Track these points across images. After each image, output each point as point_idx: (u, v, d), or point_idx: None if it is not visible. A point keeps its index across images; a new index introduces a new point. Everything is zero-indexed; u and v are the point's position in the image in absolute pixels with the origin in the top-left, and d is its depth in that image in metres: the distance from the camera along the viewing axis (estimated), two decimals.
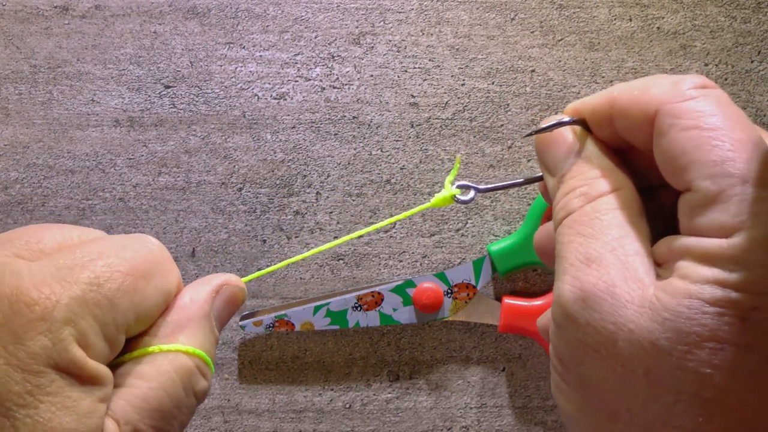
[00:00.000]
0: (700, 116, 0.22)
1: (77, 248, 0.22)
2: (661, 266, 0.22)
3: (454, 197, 0.28)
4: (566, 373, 0.22)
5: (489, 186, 0.28)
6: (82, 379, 0.20)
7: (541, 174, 0.27)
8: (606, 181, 0.24)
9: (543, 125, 0.26)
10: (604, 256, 0.22)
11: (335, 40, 0.46)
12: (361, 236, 0.45)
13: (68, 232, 0.24)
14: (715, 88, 0.23)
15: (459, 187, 0.29)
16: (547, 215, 0.43)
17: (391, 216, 0.45)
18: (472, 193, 0.28)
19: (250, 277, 0.29)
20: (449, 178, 0.28)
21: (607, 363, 0.21)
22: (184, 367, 0.23)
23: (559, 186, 0.25)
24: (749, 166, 0.20)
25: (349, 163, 0.45)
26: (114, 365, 0.23)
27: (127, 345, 0.23)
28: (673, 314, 0.20)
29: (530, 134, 0.27)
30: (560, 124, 0.26)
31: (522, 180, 0.28)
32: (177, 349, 0.23)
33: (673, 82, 0.23)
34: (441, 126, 0.46)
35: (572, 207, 0.24)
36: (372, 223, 0.45)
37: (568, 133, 0.26)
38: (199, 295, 0.25)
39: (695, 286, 0.20)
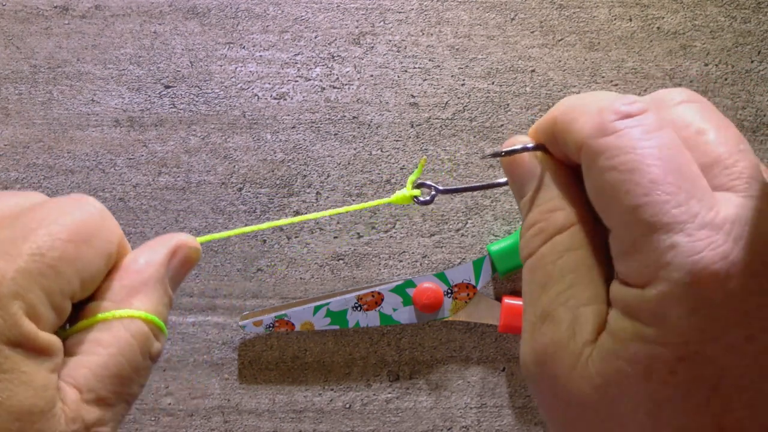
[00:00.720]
0: (617, 155, 0.20)
1: (17, 219, 0.22)
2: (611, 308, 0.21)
3: (413, 198, 0.28)
4: (549, 419, 0.22)
5: (449, 188, 0.27)
6: (36, 351, 0.20)
7: (504, 180, 0.26)
8: (561, 215, 0.23)
9: (504, 149, 0.25)
10: (557, 310, 0.21)
11: (335, 40, 0.46)
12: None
13: (6, 201, 0.23)
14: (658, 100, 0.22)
15: (419, 186, 0.28)
16: None
17: (391, 216, 0.45)
18: (432, 194, 0.28)
19: (205, 238, 0.29)
20: (411, 178, 0.28)
21: (567, 425, 0.21)
22: (140, 331, 0.23)
23: (528, 211, 0.24)
24: (662, 209, 0.19)
25: (349, 163, 0.45)
26: (67, 334, 0.23)
27: (77, 311, 0.23)
28: (604, 380, 0.20)
29: (488, 156, 0.27)
30: (519, 150, 0.25)
31: (485, 184, 0.28)
32: (131, 315, 0.23)
33: (599, 110, 0.21)
34: (441, 126, 0.46)
35: (532, 247, 0.23)
36: (372, 224, 0.45)
37: (527, 158, 0.25)
38: (153, 257, 0.25)
39: (620, 345, 0.19)
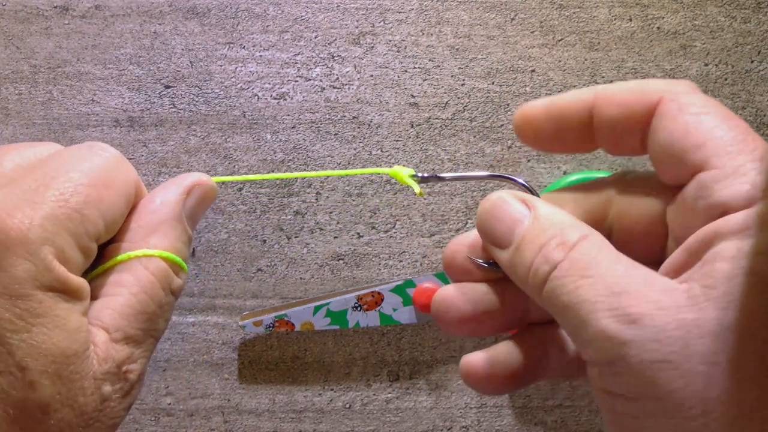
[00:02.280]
0: (709, 104, 0.23)
1: (36, 168, 0.22)
2: (679, 274, 0.22)
3: (412, 175, 0.28)
4: (633, 403, 0.21)
5: (446, 174, 0.28)
6: (68, 294, 0.21)
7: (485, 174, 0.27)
8: (576, 229, 0.23)
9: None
10: (628, 283, 0.21)
11: (335, 40, 0.46)
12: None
13: (24, 152, 0.24)
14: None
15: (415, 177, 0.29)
16: None
17: (391, 216, 0.45)
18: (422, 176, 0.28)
19: (220, 178, 0.30)
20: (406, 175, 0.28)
21: (684, 367, 0.20)
22: (159, 268, 0.24)
23: (516, 255, 0.24)
24: (761, 146, 0.22)
25: (349, 163, 0.45)
26: (89, 278, 0.23)
27: (99, 253, 0.24)
28: (730, 297, 0.20)
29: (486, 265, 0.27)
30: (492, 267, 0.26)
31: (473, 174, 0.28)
32: (147, 254, 0.24)
33: (669, 82, 0.24)
34: (441, 126, 0.46)
35: (555, 258, 0.23)
36: (372, 224, 0.45)
37: (515, 202, 0.25)
38: (169, 197, 0.25)
39: (741, 261, 0.20)
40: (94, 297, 0.23)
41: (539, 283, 0.23)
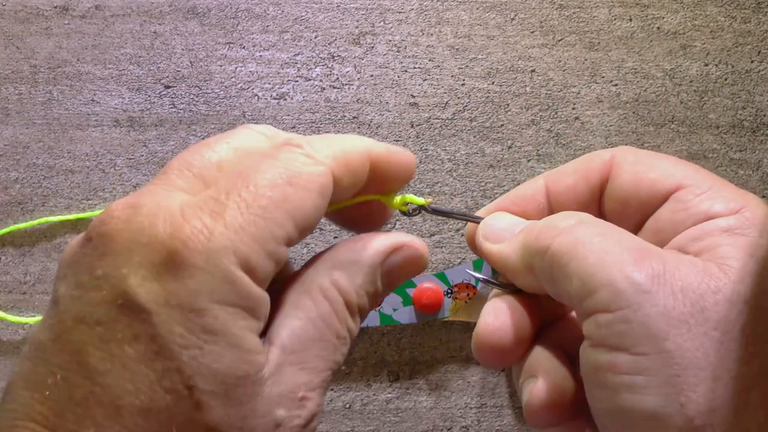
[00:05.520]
0: (658, 153, 0.25)
1: (221, 177, 0.21)
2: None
3: (405, 203, 0.26)
4: (635, 357, 0.21)
5: (438, 208, 0.27)
6: (247, 311, 0.19)
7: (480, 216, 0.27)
8: (573, 215, 0.24)
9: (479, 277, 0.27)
10: (650, 247, 0.22)
11: (335, 40, 0.46)
12: None
13: (219, 150, 0.23)
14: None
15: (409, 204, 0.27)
16: None
17: (392, 217, 0.45)
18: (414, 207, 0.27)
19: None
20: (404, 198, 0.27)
21: (698, 330, 0.20)
22: (338, 302, 0.22)
23: (521, 239, 0.24)
24: (713, 177, 0.24)
25: None
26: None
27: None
28: (744, 273, 0.20)
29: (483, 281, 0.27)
30: (494, 284, 0.26)
31: (467, 215, 0.28)
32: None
33: (613, 149, 0.26)
34: (441, 126, 0.46)
35: (572, 221, 0.23)
36: None
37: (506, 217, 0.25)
38: (372, 243, 0.23)
39: (744, 248, 0.21)
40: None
41: (550, 237, 0.23)
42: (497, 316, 0.25)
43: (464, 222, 0.45)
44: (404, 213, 0.26)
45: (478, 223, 0.26)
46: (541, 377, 0.24)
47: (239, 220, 0.19)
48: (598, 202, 0.25)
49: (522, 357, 0.25)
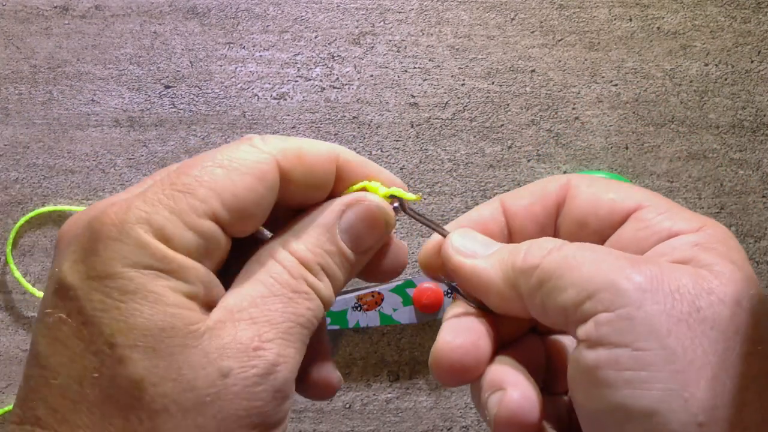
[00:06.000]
0: (612, 180, 0.25)
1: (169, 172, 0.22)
2: None
3: (391, 196, 0.26)
4: (636, 353, 0.21)
5: (413, 212, 0.26)
6: (167, 272, 0.20)
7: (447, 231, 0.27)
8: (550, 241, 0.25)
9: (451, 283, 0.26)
10: (643, 257, 0.22)
11: (335, 40, 0.46)
12: None
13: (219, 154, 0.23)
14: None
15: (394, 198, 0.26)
16: None
17: None
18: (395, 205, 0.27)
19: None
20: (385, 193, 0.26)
21: (698, 329, 0.20)
22: (293, 265, 0.22)
23: (503, 259, 0.24)
24: (669, 201, 0.24)
25: None
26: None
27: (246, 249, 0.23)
28: (735, 277, 0.21)
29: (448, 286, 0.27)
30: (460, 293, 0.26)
31: (436, 225, 0.27)
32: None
33: (567, 176, 0.26)
34: (441, 126, 0.46)
35: (560, 242, 0.24)
36: None
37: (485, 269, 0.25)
38: (324, 206, 0.24)
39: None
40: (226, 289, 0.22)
41: (539, 257, 0.23)
42: (457, 335, 0.25)
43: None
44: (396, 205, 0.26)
45: (444, 236, 0.26)
46: (510, 388, 0.24)
47: (158, 196, 0.21)
48: (554, 224, 0.26)
49: (479, 376, 0.25)
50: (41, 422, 0.19)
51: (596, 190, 0.24)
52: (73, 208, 0.44)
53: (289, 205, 0.24)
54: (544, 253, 0.23)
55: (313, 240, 0.23)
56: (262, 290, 0.22)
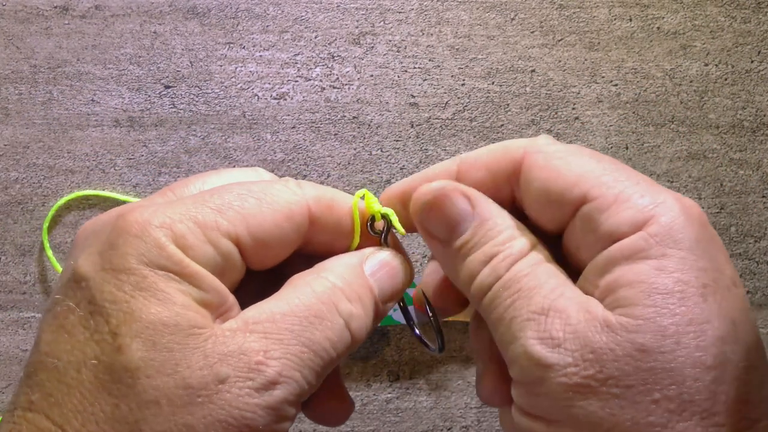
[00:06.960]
0: (572, 148, 0.24)
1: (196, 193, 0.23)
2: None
3: (370, 220, 0.26)
4: (552, 426, 0.22)
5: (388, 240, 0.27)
6: (180, 275, 0.21)
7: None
8: (522, 241, 0.23)
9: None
10: (556, 303, 0.22)
11: (335, 40, 0.46)
12: None
13: (217, 178, 0.24)
14: None
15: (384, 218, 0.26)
16: None
17: None
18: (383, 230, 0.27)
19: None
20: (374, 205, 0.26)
21: (601, 390, 0.21)
22: (326, 291, 0.23)
23: (459, 259, 0.24)
24: (634, 172, 0.23)
25: (349, 163, 0.45)
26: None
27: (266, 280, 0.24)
28: (641, 321, 0.20)
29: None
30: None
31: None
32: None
33: (530, 139, 0.25)
34: (441, 126, 0.46)
35: (500, 270, 0.23)
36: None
37: (458, 199, 0.24)
38: (349, 254, 0.25)
39: (641, 285, 0.21)
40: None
41: (481, 293, 0.23)
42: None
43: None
44: (373, 231, 0.26)
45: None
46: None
47: (187, 208, 0.21)
48: (510, 195, 0.25)
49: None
50: (34, 406, 0.20)
51: (547, 176, 0.24)
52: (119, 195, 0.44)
53: (311, 252, 0.25)
54: (492, 281, 0.23)
55: (347, 274, 0.24)
56: (284, 308, 0.22)
